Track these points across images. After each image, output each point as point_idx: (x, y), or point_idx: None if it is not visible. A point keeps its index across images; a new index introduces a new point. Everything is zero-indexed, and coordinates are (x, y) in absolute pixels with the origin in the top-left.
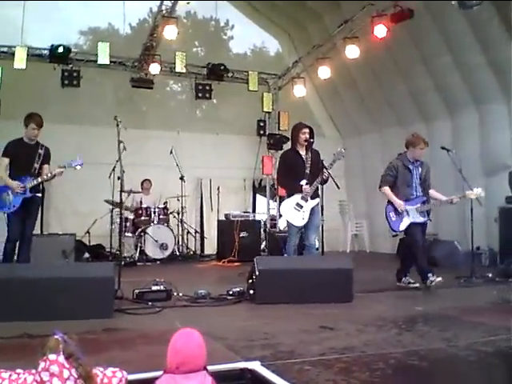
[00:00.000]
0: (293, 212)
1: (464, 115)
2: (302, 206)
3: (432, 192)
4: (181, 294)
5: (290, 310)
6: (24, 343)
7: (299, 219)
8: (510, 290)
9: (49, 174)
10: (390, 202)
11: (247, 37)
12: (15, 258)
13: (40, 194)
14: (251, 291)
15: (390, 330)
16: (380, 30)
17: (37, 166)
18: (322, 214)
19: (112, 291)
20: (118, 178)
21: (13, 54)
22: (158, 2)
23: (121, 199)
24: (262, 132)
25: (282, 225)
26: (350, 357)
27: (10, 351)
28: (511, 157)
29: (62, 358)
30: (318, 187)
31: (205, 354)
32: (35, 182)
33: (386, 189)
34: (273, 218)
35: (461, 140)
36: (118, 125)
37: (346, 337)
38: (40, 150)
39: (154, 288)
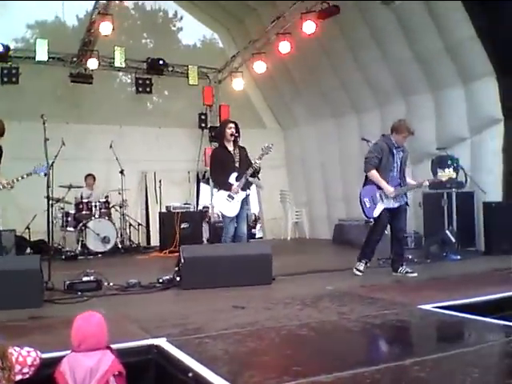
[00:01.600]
0: (225, 203)
1: (392, 106)
2: (233, 198)
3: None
4: (111, 284)
5: (211, 293)
6: None
7: (231, 210)
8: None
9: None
10: (366, 187)
11: (193, 29)
12: None
13: None
14: (178, 278)
15: (294, 307)
16: (309, 26)
17: None
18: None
19: (38, 282)
20: (45, 175)
21: None
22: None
23: (48, 196)
24: (203, 125)
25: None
26: (248, 330)
27: None
28: (435, 144)
29: None
30: (247, 180)
31: (105, 333)
32: (5, 187)
33: (374, 172)
34: None
35: (389, 130)
36: (44, 123)
37: (252, 314)
38: None
39: (85, 279)
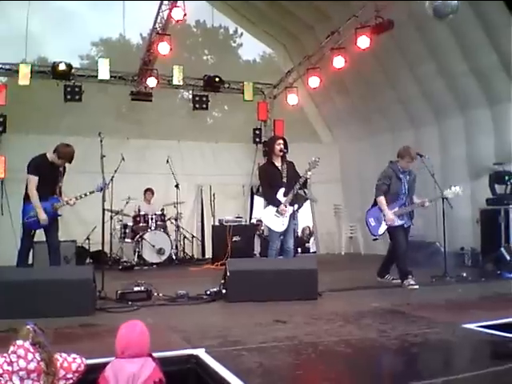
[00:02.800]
0: (273, 218)
1: (450, 120)
2: (281, 213)
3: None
4: (161, 294)
5: (255, 306)
6: (8, 336)
7: (279, 225)
8: (476, 289)
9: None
10: (371, 209)
11: (253, 45)
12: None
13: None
14: (224, 291)
15: (335, 323)
16: (363, 41)
17: (61, 184)
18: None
19: (91, 291)
20: (101, 190)
21: (17, 71)
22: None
23: (103, 208)
24: (257, 140)
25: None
26: (286, 344)
27: None
28: (493, 159)
29: (27, 344)
30: (295, 195)
31: (147, 341)
32: (63, 205)
33: (382, 198)
34: None
35: (447, 144)
36: (101, 140)
37: (293, 329)
38: (61, 169)
39: (136, 289)
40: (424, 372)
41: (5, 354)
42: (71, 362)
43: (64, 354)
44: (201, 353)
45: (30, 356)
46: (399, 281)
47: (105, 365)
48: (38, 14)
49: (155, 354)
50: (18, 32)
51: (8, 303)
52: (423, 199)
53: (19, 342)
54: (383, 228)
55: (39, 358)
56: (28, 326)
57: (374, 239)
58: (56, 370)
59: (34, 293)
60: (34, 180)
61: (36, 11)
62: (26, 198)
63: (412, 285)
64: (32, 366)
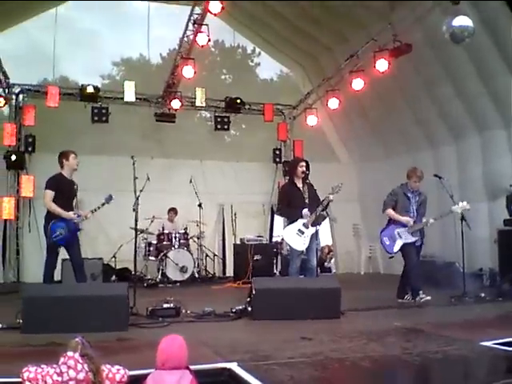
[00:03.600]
0: (295, 237)
1: (467, 141)
2: (303, 232)
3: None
4: (189, 311)
5: (281, 324)
6: (50, 350)
7: (300, 244)
8: (493, 308)
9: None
10: (385, 230)
11: (270, 64)
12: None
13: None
14: (249, 308)
15: (360, 341)
16: (381, 64)
17: (76, 200)
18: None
19: (125, 308)
20: (133, 210)
21: (45, 93)
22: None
23: (136, 229)
24: (277, 159)
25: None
26: (314, 360)
27: (39, 355)
28: (511, 181)
29: (77, 355)
30: (318, 216)
31: (185, 354)
32: (85, 218)
33: (390, 210)
34: None
35: (465, 164)
36: (133, 163)
37: (318, 345)
38: (74, 186)
39: (165, 306)
40: None
41: (55, 365)
42: (115, 372)
43: (108, 366)
44: (233, 366)
45: (79, 367)
46: (429, 297)
47: (145, 376)
48: (59, 34)
49: (191, 367)
50: (40, 52)
51: (47, 318)
52: (427, 218)
53: (70, 354)
54: (398, 246)
55: (87, 369)
56: (76, 339)
57: (391, 257)
58: (102, 381)
59: (72, 308)
60: (49, 194)
61: (57, 31)
62: (49, 217)
63: (423, 297)
64: (81, 376)
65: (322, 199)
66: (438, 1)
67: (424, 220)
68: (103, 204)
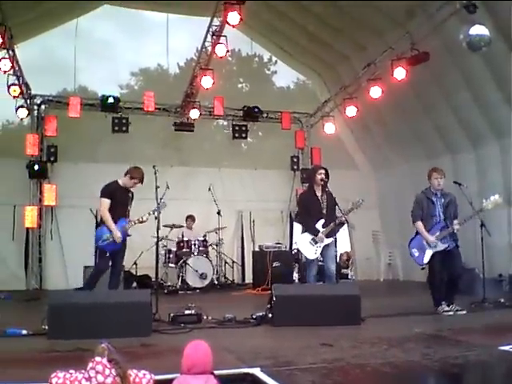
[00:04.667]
0: (307, 246)
1: (486, 148)
2: (316, 242)
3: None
4: (210, 318)
5: (301, 330)
6: (76, 355)
7: (312, 253)
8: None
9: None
10: (413, 240)
11: (287, 72)
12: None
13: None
14: (270, 315)
15: (381, 347)
16: (399, 73)
17: (129, 208)
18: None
19: (149, 314)
20: (156, 218)
21: (67, 104)
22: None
23: (157, 238)
24: (295, 167)
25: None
26: (335, 365)
27: (66, 361)
28: None
29: (105, 360)
30: (333, 228)
31: (210, 360)
32: (133, 225)
33: (419, 224)
34: None
35: (484, 171)
36: (155, 172)
37: (339, 351)
38: (130, 194)
39: (187, 312)
40: None
41: (83, 370)
42: (142, 377)
43: (135, 370)
44: (256, 371)
45: (107, 371)
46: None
47: (171, 380)
48: (78, 45)
49: (215, 372)
50: (60, 62)
51: (73, 325)
52: (454, 224)
53: (98, 359)
54: (428, 256)
55: (115, 374)
56: (103, 345)
57: (422, 268)
58: None
59: (97, 315)
60: (105, 202)
61: (77, 42)
62: (100, 221)
63: (446, 311)
64: (109, 380)
65: (338, 213)
66: (454, 9)
67: (452, 226)
68: (154, 210)
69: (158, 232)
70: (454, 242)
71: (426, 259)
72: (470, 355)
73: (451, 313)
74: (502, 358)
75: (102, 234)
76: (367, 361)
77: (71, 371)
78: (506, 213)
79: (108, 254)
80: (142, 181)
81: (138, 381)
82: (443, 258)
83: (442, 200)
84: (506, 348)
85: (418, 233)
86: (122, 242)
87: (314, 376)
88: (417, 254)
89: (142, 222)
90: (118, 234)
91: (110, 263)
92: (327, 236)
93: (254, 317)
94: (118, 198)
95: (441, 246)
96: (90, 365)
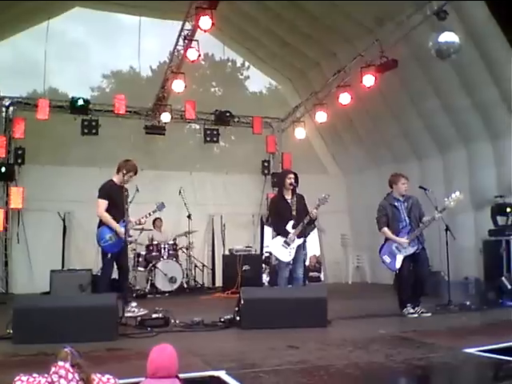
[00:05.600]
0: (280, 249)
1: (453, 153)
2: (289, 244)
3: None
4: (177, 321)
5: (269, 333)
6: (40, 360)
7: (286, 255)
8: (478, 316)
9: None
10: (382, 247)
11: (260, 77)
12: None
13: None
14: (238, 318)
15: (345, 349)
16: (368, 80)
17: (127, 207)
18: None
19: (115, 318)
20: (123, 221)
21: (35, 105)
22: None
23: (125, 241)
24: (266, 171)
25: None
26: (300, 367)
27: (30, 365)
28: (495, 192)
29: (68, 365)
30: (304, 228)
31: (176, 363)
32: (134, 225)
33: (385, 229)
34: None
35: (451, 176)
36: (123, 176)
37: (305, 353)
38: (126, 192)
39: (154, 316)
40: None
41: (46, 375)
42: (106, 381)
43: (99, 375)
44: (222, 374)
45: (70, 376)
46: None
47: None
48: (49, 47)
49: (180, 375)
50: (30, 64)
51: (38, 329)
52: (430, 216)
53: (60, 363)
54: (399, 260)
55: (78, 378)
56: (66, 349)
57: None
58: None
59: (63, 319)
60: (103, 203)
61: (48, 44)
62: (100, 222)
63: (411, 313)
64: None
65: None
66: (424, 17)
67: (427, 218)
68: (154, 211)
69: (125, 236)
70: (421, 244)
71: (398, 264)
72: (434, 357)
73: (416, 315)
74: (466, 360)
75: (103, 235)
76: (332, 362)
77: (34, 375)
78: (471, 217)
79: (110, 256)
80: (136, 172)
81: None
82: (411, 260)
83: (406, 204)
84: (471, 350)
85: (386, 240)
86: (123, 242)
87: (278, 378)
88: (388, 261)
89: (140, 224)
90: (121, 230)
91: (116, 266)
92: (298, 236)
93: (222, 320)
94: (116, 198)
95: (410, 250)
96: (53, 369)
